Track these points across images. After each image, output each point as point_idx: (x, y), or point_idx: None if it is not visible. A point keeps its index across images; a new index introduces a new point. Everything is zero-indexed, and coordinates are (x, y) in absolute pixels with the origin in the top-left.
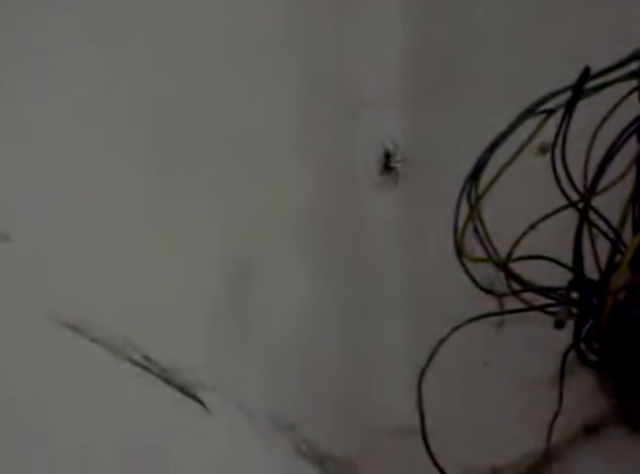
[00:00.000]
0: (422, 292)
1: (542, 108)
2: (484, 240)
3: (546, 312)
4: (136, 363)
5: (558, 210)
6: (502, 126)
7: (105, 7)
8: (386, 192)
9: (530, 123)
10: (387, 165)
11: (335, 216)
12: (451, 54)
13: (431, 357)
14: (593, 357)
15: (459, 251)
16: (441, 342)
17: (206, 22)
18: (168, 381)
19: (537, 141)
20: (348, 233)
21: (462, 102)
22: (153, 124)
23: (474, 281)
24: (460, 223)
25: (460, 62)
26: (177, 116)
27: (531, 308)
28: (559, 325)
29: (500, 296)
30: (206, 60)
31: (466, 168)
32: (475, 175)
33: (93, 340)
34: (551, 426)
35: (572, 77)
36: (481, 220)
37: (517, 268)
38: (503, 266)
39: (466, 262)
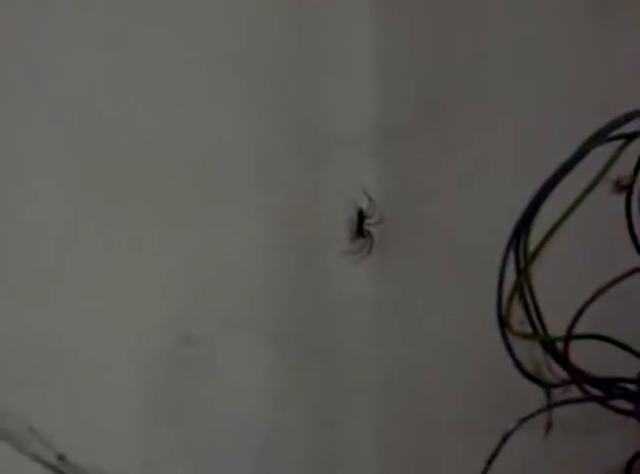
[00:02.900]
0: (405, 390)
1: (617, 132)
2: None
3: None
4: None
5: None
6: (511, 169)
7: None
8: (358, 261)
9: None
10: (360, 227)
11: (295, 292)
12: (438, 81)
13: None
14: None
15: (504, 325)
16: (508, 435)
17: (167, 45)
18: None
19: (611, 176)
20: (311, 312)
21: (455, 141)
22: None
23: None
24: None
25: (452, 89)
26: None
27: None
28: None
29: (548, 387)
30: (161, 90)
31: (462, 229)
32: (526, 222)
33: None
34: None
35: None
36: (530, 287)
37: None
38: (551, 346)
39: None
